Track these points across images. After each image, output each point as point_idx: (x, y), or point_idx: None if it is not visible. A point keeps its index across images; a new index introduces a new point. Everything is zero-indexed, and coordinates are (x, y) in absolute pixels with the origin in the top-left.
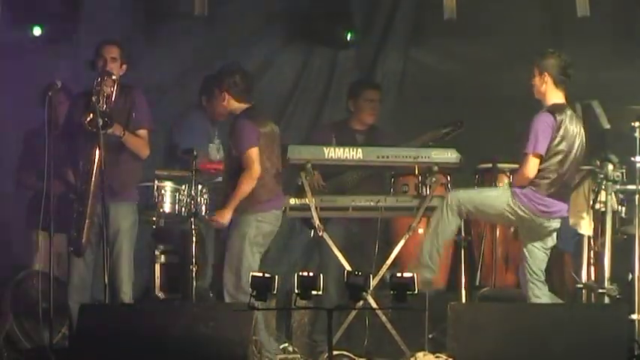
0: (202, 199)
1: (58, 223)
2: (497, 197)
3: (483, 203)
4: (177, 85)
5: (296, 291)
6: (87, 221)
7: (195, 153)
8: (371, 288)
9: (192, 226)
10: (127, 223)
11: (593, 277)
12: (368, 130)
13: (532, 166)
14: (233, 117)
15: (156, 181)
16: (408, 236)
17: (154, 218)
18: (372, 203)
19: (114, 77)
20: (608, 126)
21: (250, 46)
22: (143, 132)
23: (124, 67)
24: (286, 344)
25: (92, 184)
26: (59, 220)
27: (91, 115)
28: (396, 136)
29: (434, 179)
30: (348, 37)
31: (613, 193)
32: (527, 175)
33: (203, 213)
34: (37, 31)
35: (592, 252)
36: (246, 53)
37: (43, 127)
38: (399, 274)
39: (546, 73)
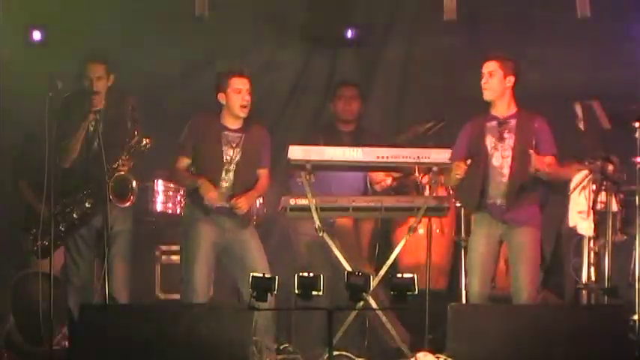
0: None
1: None
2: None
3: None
4: (179, 86)
5: (296, 291)
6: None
7: None
8: (371, 288)
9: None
10: (123, 226)
11: (593, 278)
12: (354, 130)
13: None
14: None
15: (158, 181)
16: (408, 237)
17: (154, 219)
18: (372, 204)
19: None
20: (608, 126)
21: (251, 46)
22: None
23: (112, 77)
24: (286, 344)
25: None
26: None
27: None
28: (384, 136)
29: (434, 180)
30: (348, 36)
31: (613, 194)
32: None
33: None
34: (36, 35)
35: (592, 253)
36: (247, 53)
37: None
38: (399, 275)
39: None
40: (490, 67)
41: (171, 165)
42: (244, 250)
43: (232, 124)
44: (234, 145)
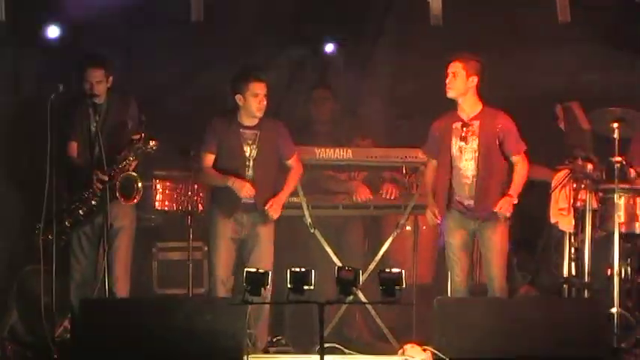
0: (199, 197)
1: None
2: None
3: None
4: (178, 89)
5: (289, 286)
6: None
7: (191, 152)
8: (360, 283)
9: (190, 224)
10: (125, 222)
11: (573, 273)
12: (329, 130)
13: None
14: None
15: (156, 181)
16: (396, 233)
17: (153, 216)
18: (361, 202)
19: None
20: (588, 127)
21: (247, 50)
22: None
23: (111, 78)
24: (279, 337)
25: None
26: None
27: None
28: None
29: (421, 178)
30: (334, 45)
31: (593, 192)
32: None
33: (199, 211)
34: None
35: (573, 248)
36: (243, 56)
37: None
38: (387, 270)
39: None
40: (454, 67)
41: (198, 164)
42: (254, 246)
43: (249, 122)
44: (250, 143)
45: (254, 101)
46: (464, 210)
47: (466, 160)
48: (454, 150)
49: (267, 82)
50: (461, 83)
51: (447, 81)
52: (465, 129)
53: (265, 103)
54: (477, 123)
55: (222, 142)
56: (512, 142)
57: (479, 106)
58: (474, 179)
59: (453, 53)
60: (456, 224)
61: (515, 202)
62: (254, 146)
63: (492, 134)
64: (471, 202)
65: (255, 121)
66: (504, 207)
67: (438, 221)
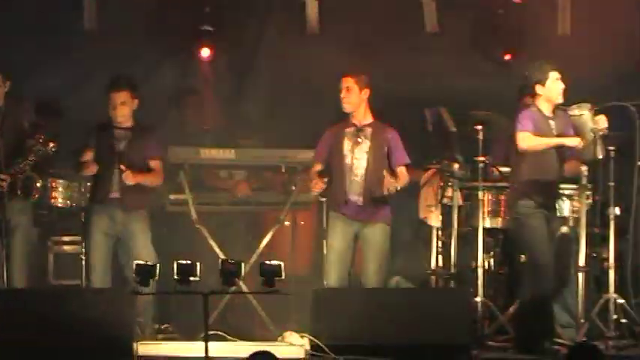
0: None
1: None
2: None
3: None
4: (69, 97)
5: (175, 277)
6: None
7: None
8: (242, 274)
9: (82, 219)
10: (22, 218)
11: (441, 265)
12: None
13: None
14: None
15: (50, 179)
16: (276, 228)
17: (47, 212)
18: (245, 198)
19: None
20: (454, 129)
21: (132, 57)
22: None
23: (8, 83)
24: (167, 325)
25: None
26: None
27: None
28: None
29: (299, 177)
30: (208, 53)
31: (458, 190)
32: None
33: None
34: None
35: (440, 242)
36: (128, 64)
37: None
38: (268, 262)
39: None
40: (347, 82)
41: (76, 161)
42: (132, 240)
43: (121, 122)
44: (121, 139)
45: (112, 111)
46: (350, 208)
47: (357, 159)
48: (345, 150)
49: (126, 90)
50: (355, 97)
51: (342, 96)
52: (357, 132)
53: (124, 110)
54: (369, 129)
55: (99, 140)
56: (400, 154)
57: (370, 118)
58: (363, 177)
59: (347, 69)
60: (340, 227)
61: (398, 186)
62: (124, 143)
63: (382, 140)
64: (359, 199)
65: (130, 123)
66: (389, 185)
67: (323, 183)
